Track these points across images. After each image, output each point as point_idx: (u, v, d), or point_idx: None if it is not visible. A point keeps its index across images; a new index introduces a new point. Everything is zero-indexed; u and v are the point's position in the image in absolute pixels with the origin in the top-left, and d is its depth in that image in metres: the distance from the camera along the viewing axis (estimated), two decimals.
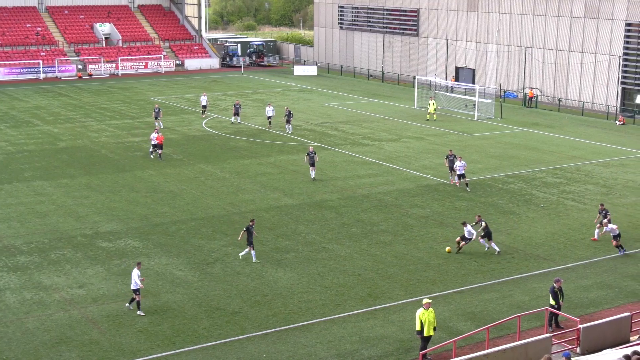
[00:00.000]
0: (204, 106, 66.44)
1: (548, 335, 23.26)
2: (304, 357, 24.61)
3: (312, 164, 44.40)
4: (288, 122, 59.14)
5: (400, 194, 42.90)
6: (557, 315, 26.38)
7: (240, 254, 32.82)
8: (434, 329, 24.17)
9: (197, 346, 25.25)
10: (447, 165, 45.52)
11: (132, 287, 27.47)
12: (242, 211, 39.56)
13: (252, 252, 32.38)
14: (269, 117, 60.66)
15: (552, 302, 26.15)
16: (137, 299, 27.43)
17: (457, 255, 33.44)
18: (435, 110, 66.19)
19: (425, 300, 24.31)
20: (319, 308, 28.15)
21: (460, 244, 33.53)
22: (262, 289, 29.76)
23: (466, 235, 33.24)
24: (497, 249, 33.62)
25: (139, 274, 27.43)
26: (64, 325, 26.62)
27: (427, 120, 65.36)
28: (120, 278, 30.69)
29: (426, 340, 24.09)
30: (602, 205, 36.37)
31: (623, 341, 23.32)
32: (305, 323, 26.95)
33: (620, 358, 18.90)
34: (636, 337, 23.26)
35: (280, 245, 34.66)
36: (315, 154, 44.71)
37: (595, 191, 43.77)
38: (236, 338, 25.83)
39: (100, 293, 29.32)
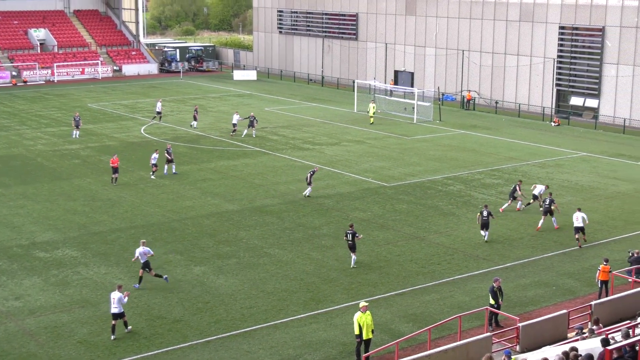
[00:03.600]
0: (158, 112, 66.05)
1: (488, 334, 23.58)
2: None
3: (309, 183, 42.87)
4: (251, 125, 59.80)
5: (341, 198, 43.01)
6: (496, 314, 26.74)
7: (352, 264, 32.53)
8: (372, 331, 24.28)
9: (138, 356, 24.91)
10: (521, 194, 40.59)
11: (114, 312, 25.83)
12: (182, 218, 39.20)
13: (354, 257, 32.29)
14: (234, 125, 60.44)
15: (492, 301, 26.49)
16: (124, 319, 26.09)
17: (398, 258, 33.66)
18: (374, 113, 66.68)
19: (362, 304, 24.37)
20: (262, 314, 28.04)
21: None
22: (204, 296, 29.52)
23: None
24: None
25: (121, 296, 25.97)
26: (0, 339, 26.00)
27: (372, 123, 65.63)
28: (59, 289, 30.12)
29: (366, 343, 24.16)
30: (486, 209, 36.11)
31: (561, 338, 23.77)
32: (248, 329, 26.81)
33: (558, 354, 19.23)
34: (573, 333, 23.69)
35: (221, 251, 34.42)
36: (314, 173, 43.13)
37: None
38: (178, 346, 25.56)
39: (38, 304, 28.72)
